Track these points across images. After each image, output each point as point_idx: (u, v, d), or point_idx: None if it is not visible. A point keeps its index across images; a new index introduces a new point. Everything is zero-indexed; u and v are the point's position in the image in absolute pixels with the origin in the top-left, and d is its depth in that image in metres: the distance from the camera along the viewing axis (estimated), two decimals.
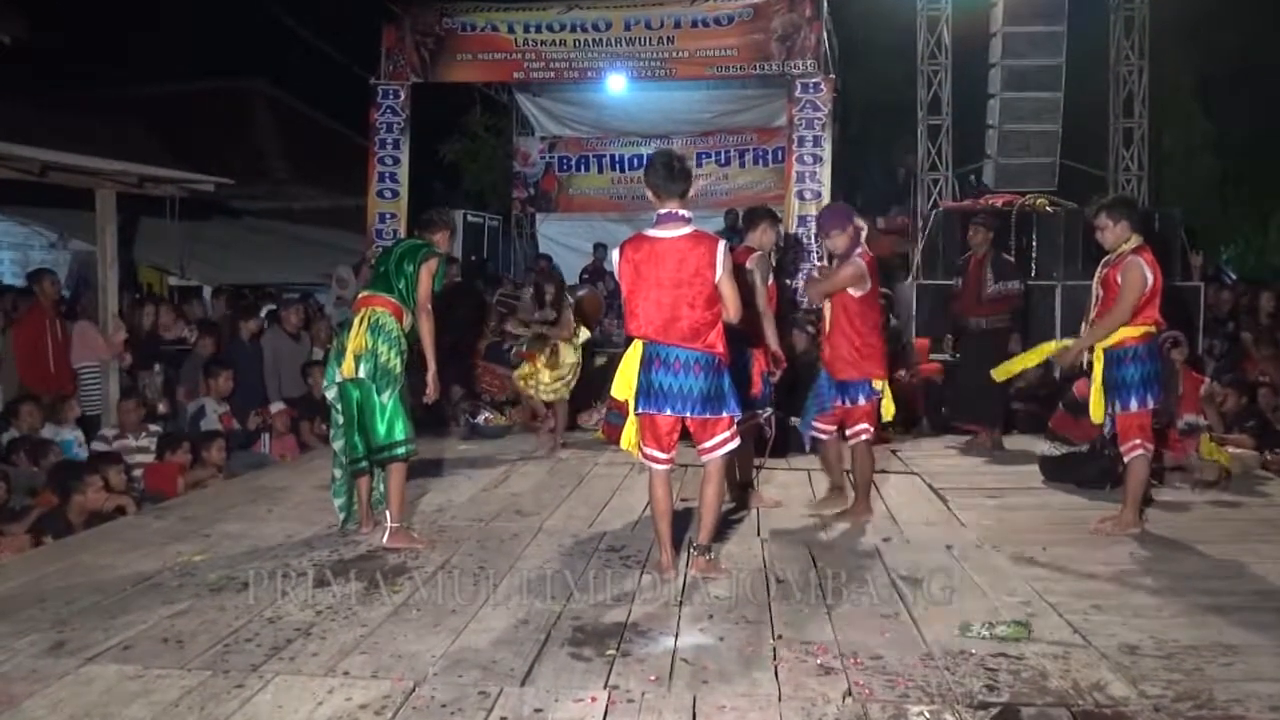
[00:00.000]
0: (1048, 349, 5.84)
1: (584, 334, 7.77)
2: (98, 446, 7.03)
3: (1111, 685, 3.23)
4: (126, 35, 18.72)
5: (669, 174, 4.30)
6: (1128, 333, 5.02)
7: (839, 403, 5.37)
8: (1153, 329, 5.06)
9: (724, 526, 5.13)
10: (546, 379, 7.54)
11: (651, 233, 4.32)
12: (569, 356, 7.56)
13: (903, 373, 9.16)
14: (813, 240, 10.94)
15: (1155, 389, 5.07)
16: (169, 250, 11.75)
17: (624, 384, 4.38)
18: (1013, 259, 8.07)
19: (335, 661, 3.40)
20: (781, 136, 12.47)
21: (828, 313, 5.34)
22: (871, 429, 5.38)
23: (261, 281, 12.96)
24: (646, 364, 4.29)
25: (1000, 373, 6.17)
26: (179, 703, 3.07)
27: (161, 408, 7.91)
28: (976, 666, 3.37)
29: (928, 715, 3.02)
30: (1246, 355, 8.80)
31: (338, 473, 5.13)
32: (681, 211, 4.31)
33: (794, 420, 7.66)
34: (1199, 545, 4.91)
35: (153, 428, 7.24)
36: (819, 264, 5.17)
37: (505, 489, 6.32)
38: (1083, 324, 5.42)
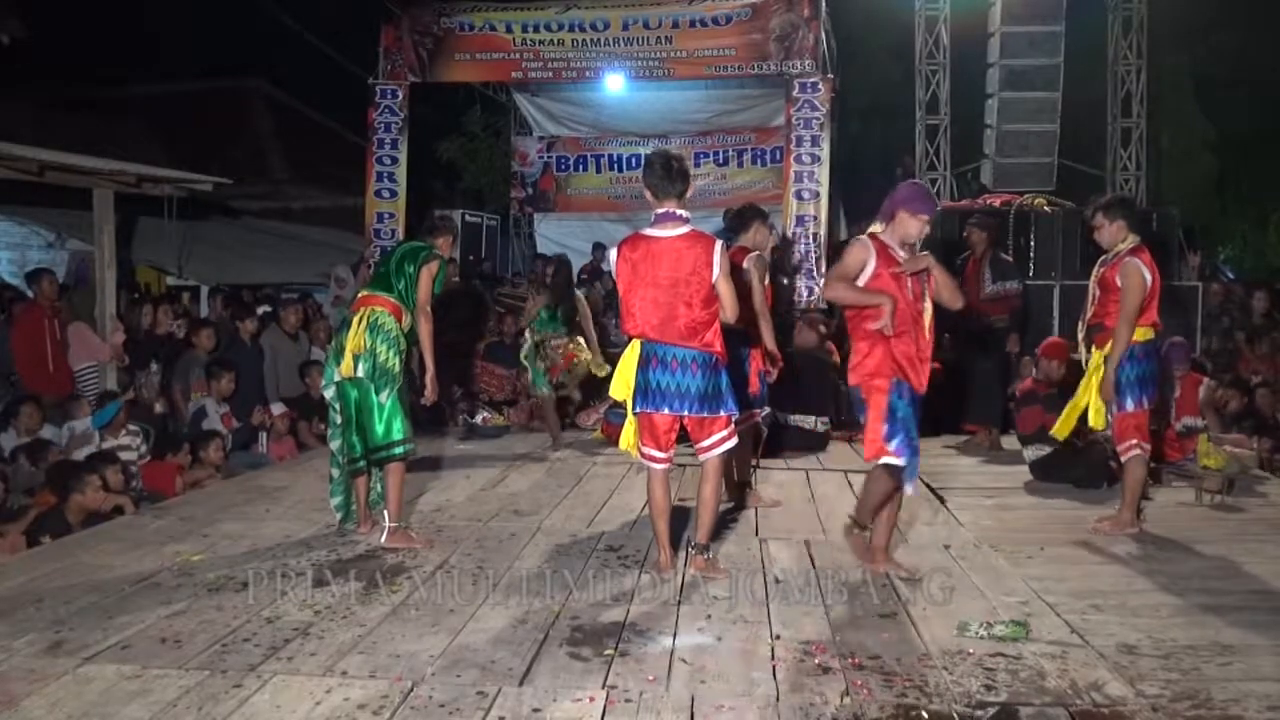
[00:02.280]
0: (1090, 389, 5.17)
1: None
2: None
3: (1109, 685, 3.23)
4: (126, 35, 18.70)
5: (667, 174, 4.30)
6: None
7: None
8: (1151, 330, 5.06)
9: (722, 526, 5.13)
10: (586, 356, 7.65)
11: (649, 232, 4.33)
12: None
13: None
14: (810, 240, 10.96)
15: (1151, 389, 5.08)
16: (167, 250, 11.75)
17: (622, 384, 4.39)
18: (1011, 259, 8.08)
19: (333, 661, 3.40)
20: (780, 136, 12.45)
21: (930, 313, 4.38)
22: None
23: (260, 281, 12.95)
24: (644, 363, 4.30)
25: (1061, 429, 5.37)
26: (177, 702, 3.07)
27: (158, 407, 7.91)
28: (974, 666, 3.37)
29: (925, 715, 3.02)
30: (1240, 354, 8.81)
31: (335, 472, 5.13)
32: (679, 211, 4.31)
33: (800, 421, 7.72)
34: (1197, 545, 4.91)
35: (132, 426, 7.22)
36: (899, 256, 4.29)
37: (503, 489, 6.32)
38: (1078, 324, 5.42)
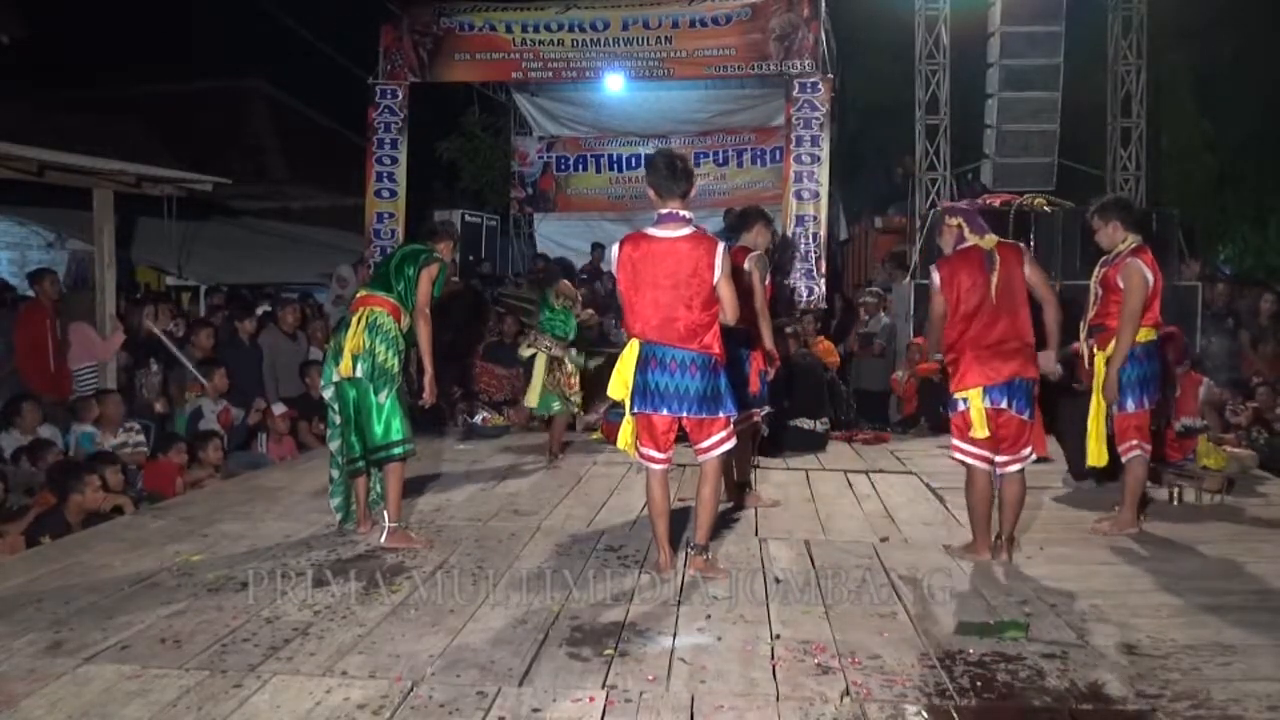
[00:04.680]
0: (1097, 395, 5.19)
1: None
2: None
3: (1109, 685, 3.23)
4: (126, 35, 18.71)
5: (671, 174, 4.29)
6: None
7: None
8: (1153, 331, 5.06)
9: (722, 526, 5.14)
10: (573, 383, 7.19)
11: (652, 232, 4.32)
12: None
13: (900, 373, 9.20)
14: (810, 240, 10.96)
15: (1152, 390, 5.07)
16: (167, 250, 11.74)
17: (620, 384, 4.38)
18: None
19: (333, 661, 3.40)
20: (779, 136, 12.46)
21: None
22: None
23: (259, 281, 12.95)
24: (643, 364, 4.29)
25: (1095, 456, 5.24)
26: (176, 703, 3.07)
27: (159, 406, 7.91)
28: (974, 666, 3.37)
29: (925, 715, 3.02)
30: (1244, 355, 8.81)
31: (335, 473, 5.12)
32: (682, 212, 4.30)
33: (800, 422, 7.72)
34: (1197, 545, 4.92)
35: (131, 424, 7.22)
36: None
37: (503, 488, 6.32)
38: (1081, 324, 5.42)
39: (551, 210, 15.42)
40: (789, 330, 8.45)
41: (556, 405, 7.19)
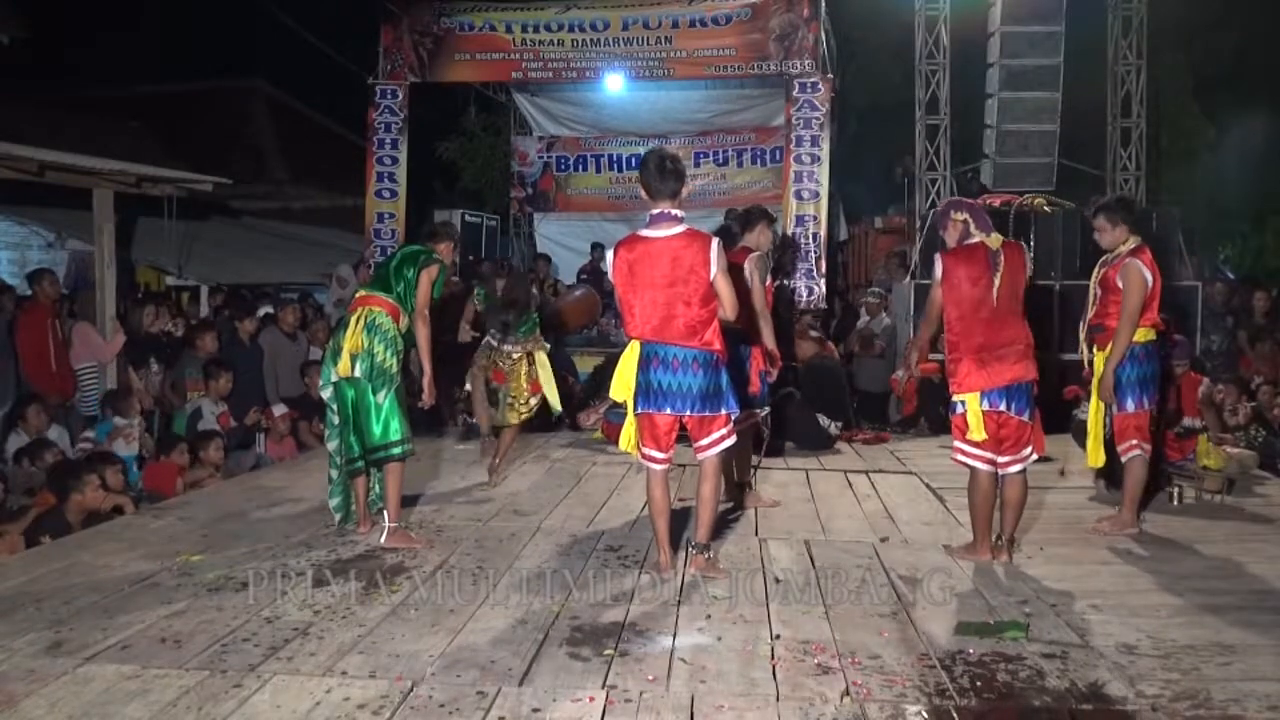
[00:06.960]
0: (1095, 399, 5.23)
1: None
2: (84, 446, 7.06)
3: (1109, 685, 3.23)
4: (125, 35, 18.72)
5: (661, 173, 4.29)
6: None
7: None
8: (1152, 331, 5.06)
9: (722, 526, 5.14)
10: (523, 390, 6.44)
11: (645, 233, 4.33)
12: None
13: (900, 373, 9.19)
14: (809, 240, 10.96)
15: (1152, 390, 5.08)
16: (167, 250, 11.73)
17: (622, 385, 4.38)
18: None
19: (333, 661, 3.40)
20: (779, 136, 12.46)
21: None
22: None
23: (259, 281, 12.94)
24: (645, 363, 4.30)
25: (1093, 457, 5.32)
26: (176, 702, 3.07)
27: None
28: (974, 666, 3.38)
29: (925, 715, 3.03)
30: (1242, 354, 8.82)
31: (334, 473, 5.12)
32: (674, 211, 4.31)
33: (820, 417, 7.76)
34: (1197, 545, 4.92)
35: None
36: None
37: (503, 489, 6.32)
38: (1080, 324, 5.42)
39: (551, 210, 15.41)
40: (814, 334, 8.49)
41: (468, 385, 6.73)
